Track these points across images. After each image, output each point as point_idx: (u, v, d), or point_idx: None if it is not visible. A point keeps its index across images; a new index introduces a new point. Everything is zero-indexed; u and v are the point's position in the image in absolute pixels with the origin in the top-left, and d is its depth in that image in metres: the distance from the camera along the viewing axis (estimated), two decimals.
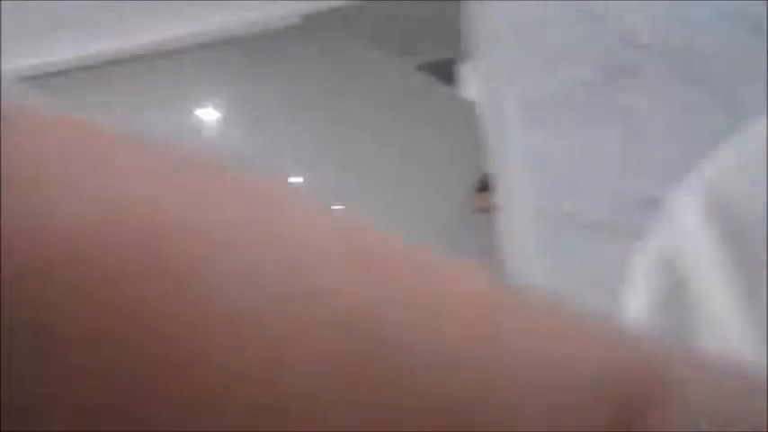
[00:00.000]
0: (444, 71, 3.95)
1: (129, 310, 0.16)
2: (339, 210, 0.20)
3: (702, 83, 1.38)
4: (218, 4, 3.26)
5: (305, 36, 3.81)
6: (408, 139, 4.38)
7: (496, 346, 0.18)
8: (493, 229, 1.90)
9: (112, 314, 0.16)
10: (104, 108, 4.18)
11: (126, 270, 0.16)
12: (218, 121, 4.64)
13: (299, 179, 4.53)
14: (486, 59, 1.69)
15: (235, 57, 4.11)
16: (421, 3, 3.37)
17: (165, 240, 0.17)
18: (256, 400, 0.16)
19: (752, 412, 0.20)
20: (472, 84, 2.94)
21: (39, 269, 0.16)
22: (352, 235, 0.19)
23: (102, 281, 0.16)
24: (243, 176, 0.19)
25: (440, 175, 4.22)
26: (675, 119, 1.37)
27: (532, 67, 1.51)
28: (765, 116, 0.53)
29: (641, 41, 1.41)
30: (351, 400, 0.17)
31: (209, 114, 4.61)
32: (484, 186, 2.17)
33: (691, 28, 1.39)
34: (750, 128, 0.52)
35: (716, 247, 0.47)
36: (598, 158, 1.38)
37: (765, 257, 0.45)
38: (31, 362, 0.16)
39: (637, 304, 0.50)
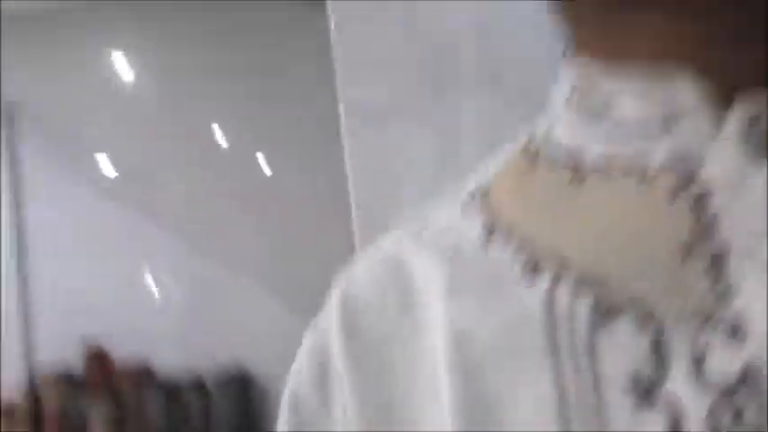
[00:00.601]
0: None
1: None
2: None
3: (509, 93, 1.43)
4: None
5: None
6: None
7: None
8: None
9: None
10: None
11: None
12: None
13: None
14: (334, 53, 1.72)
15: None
16: None
17: None
18: None
19: None
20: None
21: None
22: None
23: None
24: None
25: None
26: (484, 131, 1.42)
27: (356, 72, 1.54)
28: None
29: (454, 52, 1.45)
30: None
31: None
32: None
33: (499, 37, 1.43)
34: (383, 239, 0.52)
35: (343, 355, 0.47)
36: (414, 170, 1.43)
37: (386, 371, 0.45)
38: None
39: (297, 377, 0.50)
